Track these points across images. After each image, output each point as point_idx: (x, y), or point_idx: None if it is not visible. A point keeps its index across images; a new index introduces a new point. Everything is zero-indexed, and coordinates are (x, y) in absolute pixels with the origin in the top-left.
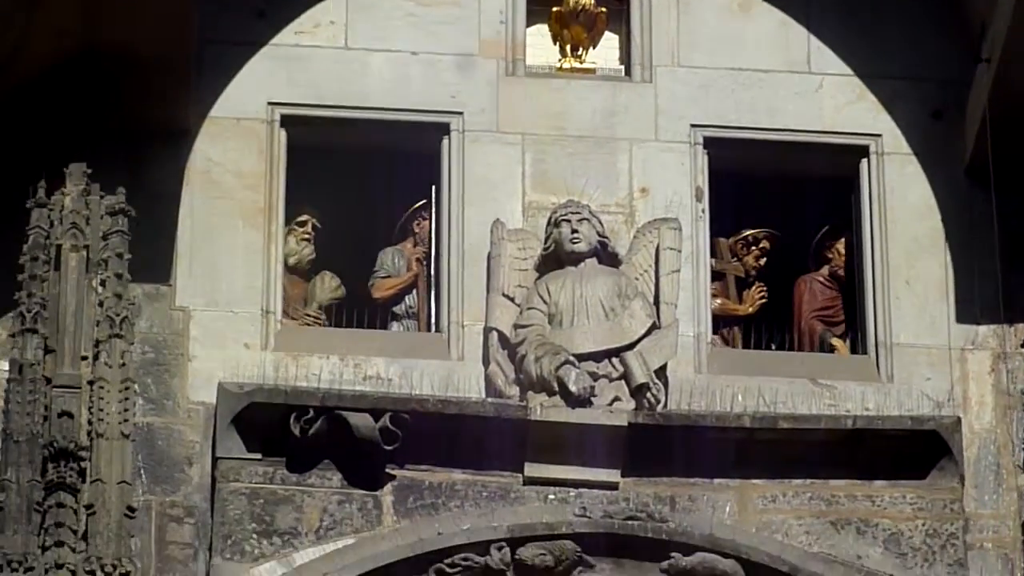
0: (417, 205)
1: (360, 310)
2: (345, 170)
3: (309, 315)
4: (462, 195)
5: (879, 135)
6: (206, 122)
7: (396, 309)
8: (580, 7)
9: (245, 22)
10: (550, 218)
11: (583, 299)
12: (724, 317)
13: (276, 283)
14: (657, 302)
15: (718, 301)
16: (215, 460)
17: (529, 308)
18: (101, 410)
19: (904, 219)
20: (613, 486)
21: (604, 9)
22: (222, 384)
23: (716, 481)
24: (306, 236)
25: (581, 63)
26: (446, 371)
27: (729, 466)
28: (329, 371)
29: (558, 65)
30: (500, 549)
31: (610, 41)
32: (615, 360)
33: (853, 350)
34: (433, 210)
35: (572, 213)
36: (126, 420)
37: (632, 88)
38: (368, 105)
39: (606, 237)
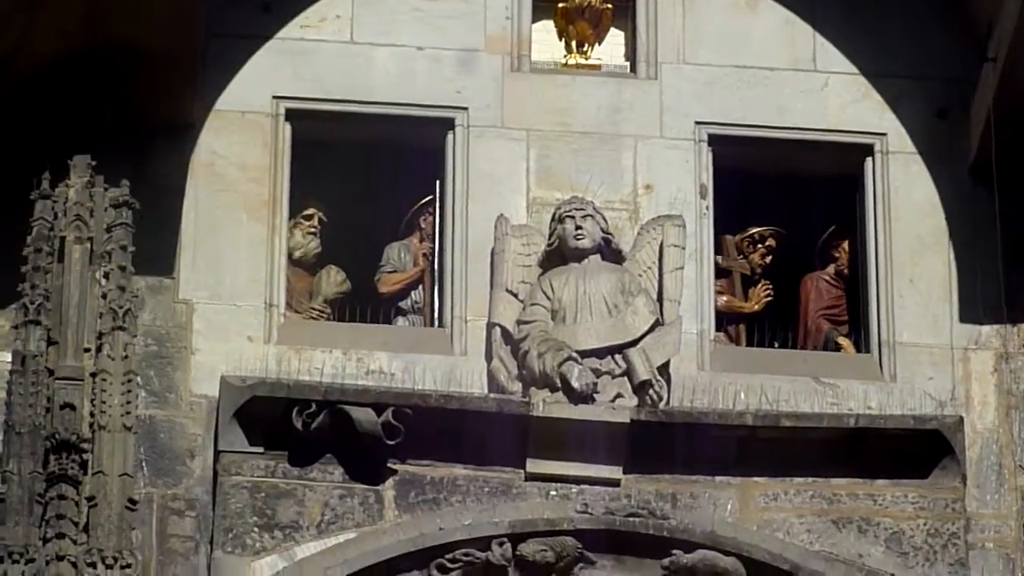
0: (424, 201)
1: (365, 305)
2: (350, 164)
3: (314, 309)
4: (466, 190)
5: (884, 134)
6: (211, 115)
7: (402, 304)
8: (586, 3)
9: (250, 16)
10: (554, 214)
11: (586, 295)
12: (730, 314)
13: (279, 277)
14: (660, 299)
15: (724, 298)
16: (217, 453)
17: (532, 304)
18: (103, 402)
19: (908, 218)
20: (615, 483)
21: (610, 5)
22: (225, 377)
23: (718, 479)
24: (312, 230)
25: (586, 59)
26: (449, 366)
27: (731, 464)
28: (332, 365)
29: (563, 61)
30: (501, 545)
31: (616, 38)
32: (618, 357)
33: (856, 349)
34: (437, 205)
35: (576, 209)
36: (128, 412)
37: (637, 85)
38: (373, 100)
39: (610, 233)
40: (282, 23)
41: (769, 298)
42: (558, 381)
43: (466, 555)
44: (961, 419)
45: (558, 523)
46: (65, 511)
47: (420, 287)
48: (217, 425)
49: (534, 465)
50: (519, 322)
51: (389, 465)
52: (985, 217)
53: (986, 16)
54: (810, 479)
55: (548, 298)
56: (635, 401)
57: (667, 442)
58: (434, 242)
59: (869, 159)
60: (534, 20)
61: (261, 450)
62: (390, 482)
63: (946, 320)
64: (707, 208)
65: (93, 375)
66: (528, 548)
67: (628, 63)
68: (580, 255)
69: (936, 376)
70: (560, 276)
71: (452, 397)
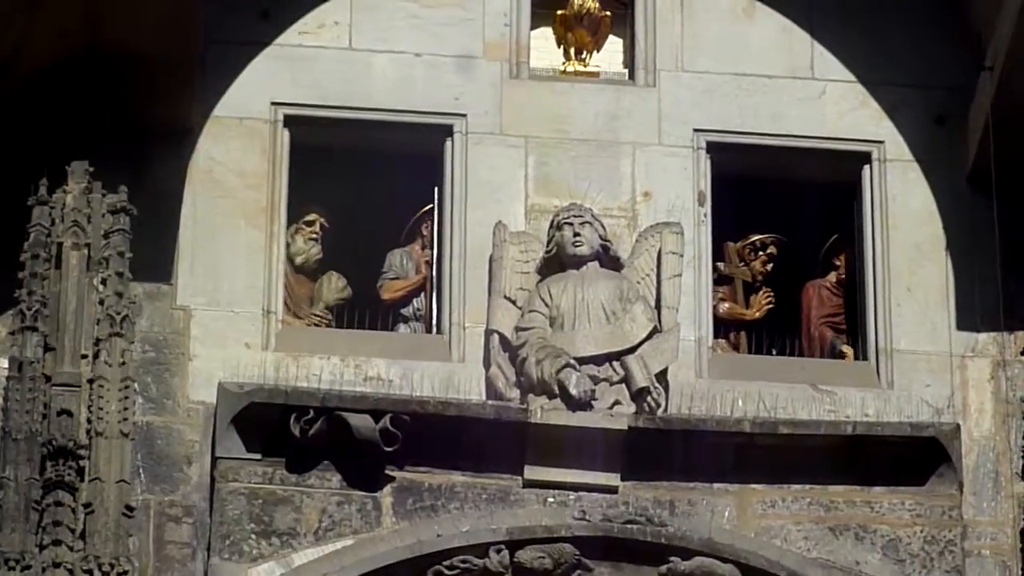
0: (425, 209)
1: (365, 311)
2: (348, 171)
3: (316, 315)
4: (465, 197)
5: (881, 142)
6: (209, 121)
7: (404, 311)
8: (584, 11)
9: (249, 22)
10: (552, 221)
11: (584, 302)
12: (732, 321)
13: (277, 283)
14: (658, 306)
15: (726, 305)
16: (214, 460)
17: (531, 311)
18: (100, 409)
19: (906, 226)
20: (612, 490)
21: (608, 13)
22: (222, 384)
23: (715, 486)
24: (314, 236)
25: (585, 66)
26: (447, 373)
27: (728, 471)
28: (330, 372)
29: (562, 68)
30: (499, 551)
31: (614, 45)
32: (616, 364)
33: (854, 356)
34: (435, 212)
35: (575, 216)
36: (125, 419)
37: (636, 92)
38: (371, 106)
39: (608, 241)
40: (281, 29)
41: (770, 305)
42: (556, 388)
43: (464, 562)
44: (958, 426)
45: (556, 530)
46: (62, 518)
47: (422, 295)
48: (215, 432)
49: (532, 472)
50: (517, 329)
51: (387, 472)
52: (982, 225)
53: (983, 24)
54: (807, 486)
55: (546, 305)
56: (633, 408)
57: (665, 449)
58: (432, 248)
59: (867, 167)
60: (533, 27)
61: (259, 457)
62: (388, 489)
63: (943, 328)
64: (705, 215)
65: (90, 381)
66: (526, 555)
67: (626, 70)
68: (578, 262)
69: (933, 383)
70: (558, 283)
71: (450, 404)
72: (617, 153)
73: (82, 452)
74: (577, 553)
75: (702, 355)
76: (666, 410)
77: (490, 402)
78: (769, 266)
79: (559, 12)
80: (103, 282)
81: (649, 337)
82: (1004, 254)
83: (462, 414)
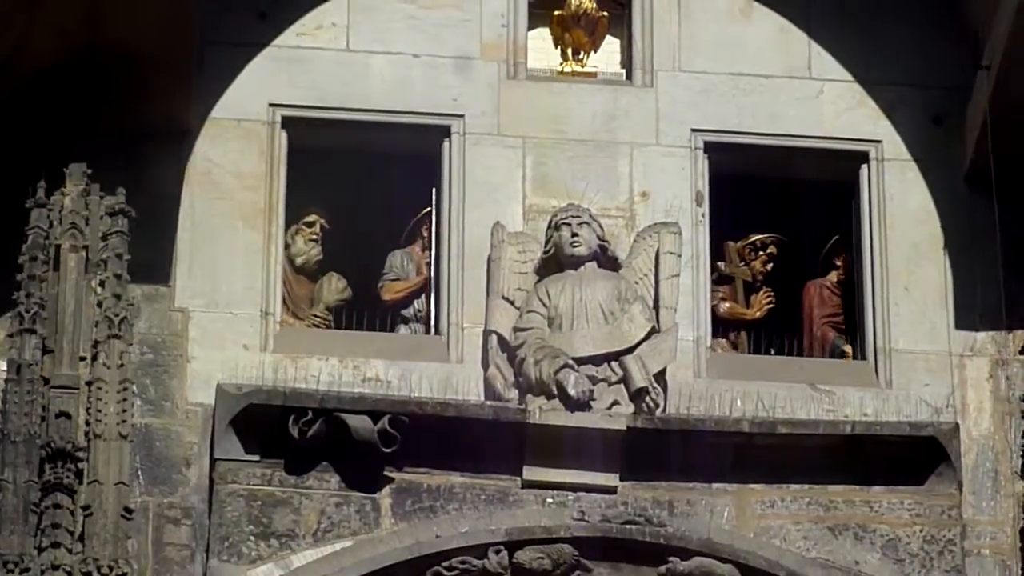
0: (426, 210)
1: (365, 312)
2: (346, 172)
3: (316, 316)
4: (463, 198)
5: (879, 141)
6: (207, 123)
7: (405, 313)
8: (582, 11)
9: (247, 23)
10: (550, 221)
11: (583, 303)
12: (732, 321)
13: (275, 285)
14: (657, 306)
15: (727, 304)
16: (213, 461)
17: (529, 311)
18: (99, 411)
19: (904, 225)
20: (611, 490)
21: (605, 13)
22: (221, 385)
23: (714, 486)
24: (314, 236)
25: (582, 67)
26: (445, 373)
27: (727, 471)
28: (328, 373)
29: (559, 69)
30: (498, 552)
31: (611, 45)
32: (614, 364)
33: (852, 355)
34: (433, 212)
35: (572, 217)
36: (124, 421)
37: (633, 92)
38: (369, 107)
39: (606, 241)
40: (278, 31)
41: (771, 305)
42: (554, 388)
43: (463, 563)
44: (957, 426)
45: (555, 530)
46: (60, 520)
47: (423, 296)
48: (213, 433)
49: (530, 472)
50: (515, 329)
51: (385, 473)
52: (980, 224)
53: (981, 23)
54: (806, 486)
55: (544, 305)
56: (631, 408)
57: (663, 449)
58: (431, 249)
59: (864, 166)
60: (530, 28)
61: (257, 458)
62: (387, 490)
63: (942, 327)
64: (703, 215)
65: (89, 384)
66: (524, 556)
67: (624, 71)
68: (576, 262)
69: (932, 383)
70: (556, 283)
71: (448, 405)
72: (615, 153)
73: (81, 454)
74: (576, 553)
75: (700, 355)
76: (665, 410)
77: (488, 403)
78: (769, 266)
79: (556, 13)
80: (101, 284)
81: (647, 337)
82: (1002, 253)
83: (460, 415)
